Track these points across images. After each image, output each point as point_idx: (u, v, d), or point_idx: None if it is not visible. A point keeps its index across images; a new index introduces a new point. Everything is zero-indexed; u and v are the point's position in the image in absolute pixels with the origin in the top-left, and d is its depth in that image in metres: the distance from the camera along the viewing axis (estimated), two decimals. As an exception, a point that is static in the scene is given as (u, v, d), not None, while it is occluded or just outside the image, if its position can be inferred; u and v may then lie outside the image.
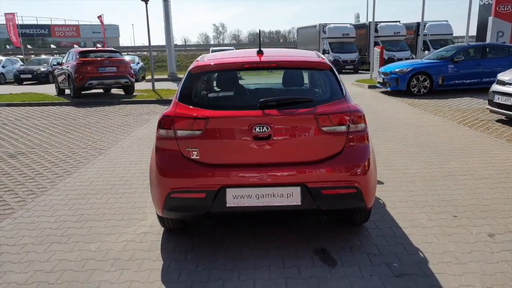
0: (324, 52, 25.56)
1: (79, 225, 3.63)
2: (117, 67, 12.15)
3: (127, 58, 23.09)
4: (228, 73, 3.35)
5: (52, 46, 61.66)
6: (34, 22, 70.24)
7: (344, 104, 2.99)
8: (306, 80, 3.81)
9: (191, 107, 2.97)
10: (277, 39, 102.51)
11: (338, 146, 2.92)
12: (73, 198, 4.31)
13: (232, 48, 25.93)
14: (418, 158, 5.46)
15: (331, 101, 3.00)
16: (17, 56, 29.94)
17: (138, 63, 23.25)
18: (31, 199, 4.29)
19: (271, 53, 3.43)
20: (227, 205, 2.86)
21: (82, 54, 12.24)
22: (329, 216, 3.57)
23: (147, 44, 17.97)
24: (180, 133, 2.91)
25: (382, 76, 12.49)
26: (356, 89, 14.51)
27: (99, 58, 12.17)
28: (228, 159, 2.90)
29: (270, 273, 2.79)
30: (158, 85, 16.00)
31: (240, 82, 3.60)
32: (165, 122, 2.94)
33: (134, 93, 13.54)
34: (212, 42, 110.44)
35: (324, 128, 2.89)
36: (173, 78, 22.00)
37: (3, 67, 22.78)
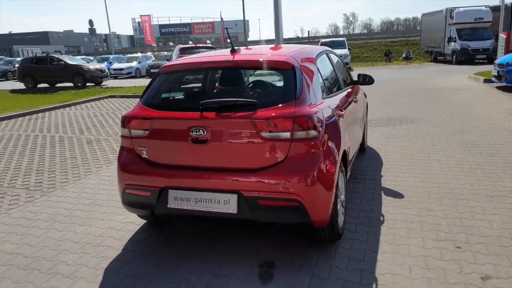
0: (449, 40, 22.84)
1: (87, 208, 4.06)
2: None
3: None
4: (187, 73, 3.32)
5: (190, 42, 68.12)
6: (178, 22, 78.51)
7: (290, 108, 2.70)
8: (273, 81, 3.53)
9: (146, 107, 3.05)
10: (414, 26, 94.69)
11: (280, 153, 2.68)
12: (101, 184, 4.83)
13: (343, 39, 25.03)
14: (473, 172, 4.59)
15: (279, 104, 2.75)
16: (155, 53, 34.19)
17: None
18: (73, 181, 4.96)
19: (243, 52, 3.28)
20: (168, 206, 2.89)
21: (182, 50, 13.31)
22: (281, 229, 3.29)
23: (272, 38, 18.61)
24: (133, 132, 3.03)
25: (497, 68, 10.65)
26: (468, 83, 12.70)
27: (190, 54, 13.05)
28: (171, 160, 2.92)
29: (199, 279, 2.74)
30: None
31: (202, 82, 3.51)
32: (123, 122, 3.09)
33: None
34: (341, 33, 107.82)
35: (263, 134, 2.67)
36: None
37: (139, 62, 26.16)
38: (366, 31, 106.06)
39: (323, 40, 25.99)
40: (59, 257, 3.11)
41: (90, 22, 41.15)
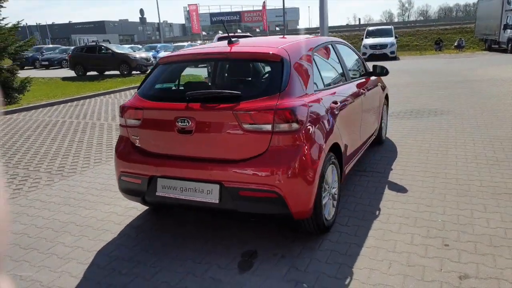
0: (505, 27, 21.30)
1: (98, 193, 4.31)
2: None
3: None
4: (182, 65, 3.38)
5: (239, 31, 68.40)
6: (228, 10, 79.07)
7: (273, 101, 2.71)
8: (263, 73, 3.50)
9: (140, 98, 3.18)
10: (474, 13, 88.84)
11: (261, 146, 2.71)
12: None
13: (390, 27, 24.06)
14: (488, 168, 4.35)
15: (263, 97, 2.76)
16: (205, 41, 34.79)
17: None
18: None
19: (240, 44, 3.29)
20: (157, 193, 3.01)
21: (220, 39, 13.45)
22: (263, 220, 3.30)
23: (316, 26, 18.46)
24: (128, 121, 3.17)
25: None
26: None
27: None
28: (160, 149, 3.03)
29: (180, 266, 2.84)
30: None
31: (195, 74, 3.56)
32: (120, 111, 3.23)
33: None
34: (395, 20, 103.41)
35: (245, 126, 2.71)
36: (323, 60, 21.98)
37: (185, 50, 26.73)
38: (422, 18, 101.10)
39: (369, 28, 25.19)
40: (58, 239, 3.34)
41: (141, 11, 42.56)
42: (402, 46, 29.22)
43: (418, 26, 41.68)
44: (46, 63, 27.31)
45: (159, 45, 29.10)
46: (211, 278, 2.67)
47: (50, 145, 6.52)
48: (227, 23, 73.15)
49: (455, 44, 26.42)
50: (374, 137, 4.99)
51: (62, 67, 26.66)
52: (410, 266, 2.66)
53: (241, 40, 3.47)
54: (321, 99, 3.08)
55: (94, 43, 21.03)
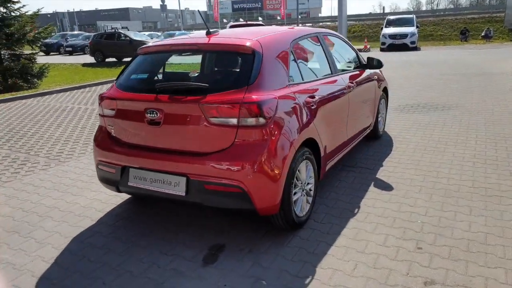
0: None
1: (88, 179, 4.38)
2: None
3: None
4: (157, 55, 3.35)
5: (260, 19, 67.89)
6: (250, -3, 78.28)
7: (240, 94, 2.66)
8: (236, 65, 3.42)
9: (116, 88, 3.18)
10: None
11: (227, 140, 2.67)
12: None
13: (411, 16, 23.31)
14: (484, 168, 4.18)
15: (230, 90, 2.72)
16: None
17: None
18: (88, 153, 5.34)
19: (218, 35, 3.24)
20: (129, 183, 3.03)
21: (232, 27, 13.37)
22: (230, 213, 3.29)
23: (350, 14, 18.19)
24: (104, 111, 3.19)
25: None
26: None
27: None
28: (131, 140, 3.04)
29: (148, 256, 2.86)
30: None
31: (171, 65, 3.49)
32: (99, 101, 3.26)
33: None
34: (423, 8, 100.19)
35: (211, 119, 2.68)
36: (342, 50, 21.59)
37: (201, 38, 26.77)
38: (452, 6, 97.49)
39: (390, 17, 24.51)
40: (40, 223, 3.42)
41: (162, -2, 42.80)
42: (425, 35, 28.33)
43: (446, 15, 40.24)
44: (70, 49, 27.89)
45: (177, 32, 29.22)
46: (173, 270, 2.68)
47: (54, 130, 6.67)
48: (248, 11, 72.64)
49: (482, 34, 25.41)
50: (369, 131, 4.88)
51: (84, 53, 27.13)
52: (376, 268, 2.60)
53: (222, 31, 3.41)
54: (296, 93, 3.01)
55: (113, 30, 21.30)
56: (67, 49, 27.98)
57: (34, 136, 6.33)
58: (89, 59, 21.87)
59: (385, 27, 22.51)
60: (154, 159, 2.89)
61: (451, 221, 3.13)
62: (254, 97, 2.65)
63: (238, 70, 2.90)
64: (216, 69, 3.32)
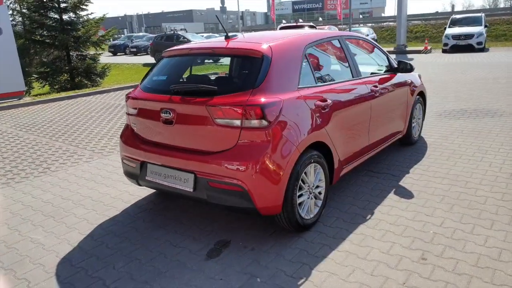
0: None
1: (122, 172, 4.71)
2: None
3: (364, 30, 23.52)
4: (177, 59, 3.51)
5: (320, 19, 67.12)
6: (311, -3, 77.68)
7: (245, 97, 2.76)
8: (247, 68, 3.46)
9: (140, 89, 3.42)
10: None
11: (231, 140, 2.79)
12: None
13: (479, 15, 21.82)
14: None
15: (237, 92, 2.82)
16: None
17: (368, 35, 23.04)
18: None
19: (235, 39, 3.36)
20: (146, 178, 3.25)
21: (281, 29, 13.43)
22: (234, 212, 3.30)
23: (410, 13, 17.74)
24: (129, 110, 3.44)
25: None
26: None
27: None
28: (150, 137, 3.25)
29: (157, 246, 3.05)
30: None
31: (188, 67, 3.60)
32: (126, 100, 3.52)
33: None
34: (501, 5, 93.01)
35: (217, 120, 2.81)
36: (400, 51, 20.79)
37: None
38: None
39: (455, 16, 23.13)
40: (73, 210, 3.76)
41: (222, 0, 43.80)
42: (497, 35, 26.36)
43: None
44: (135, 50, 29.60)
45: (234, 34, 29.81)
46: (177, 261, 2.85)
47: (104, 126, 7.19)
48: (307, 11, 72.10)
49: None
50: (400, 136, 4.74)
51: (147, 54, 28.62)
52: (373, 275, 2.57)
53: (241, 35, 3.53)
54: (305, 96, 3.04)
55: (172, 32, 22.29)
56: (132, 50, 29.73)
57: (86, 130, 6.89)
58: (150, 59, 23.05)
59: (449, 27, 21.29)
60: (168, 156, 3.07)
61: (466, 234, 2.99)
62: (258, 100, 2.74)
63: (246, 73, 3.00)
64: (227, 72, 3.44)
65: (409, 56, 18.42)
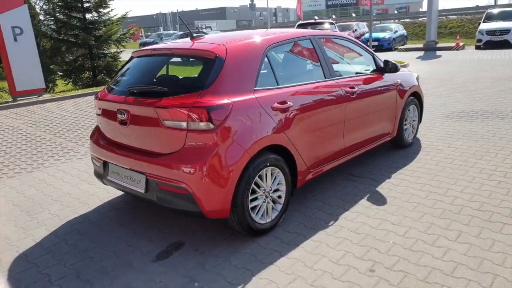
0: None
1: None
2: (325, 39, 12.49)
3: (393, 26, 22.83)
4: (142, 59, 3.49)
5: (353, 15, 65.74)
6: (344, -7, 76.37)
7: (192, 99, 2.72)
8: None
9: (105, 89, 3.46)
10: None
11: (179, 142, 2.77)
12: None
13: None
14: (510, 189, 3.65)
15: (185, 94, 2.79)
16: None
17: (396, 31, 22.31)
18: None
19: (198, 40, 3.32)
20: (108, 177, 3.29)
21: (300, 26, 13.25)
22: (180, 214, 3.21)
23: (448, 7, 17.12)
24: (96, 110, 3.49)
25: None
26: None
27: (309, 30, 12.86)
28: (112, 137, 3.29)
29: (115, 245, 3.08)
30: (399, 55, 15.16)
31: (149, 68, 3.54)
32: (94, 100, 3.57)
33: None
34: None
35: (165, 122, 2.79)
36: (429, 48, 20.00)
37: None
38: None
39: (490, 10, 21.96)
40: (49, 207, 3.87)
41: (252, -2, 43.76)
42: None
43: None
44: (164, 47, 30.13)
45: (200, 34, 29.81)
46: (127, 261, 2.86)
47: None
48: (341, 7, 70.79)
49: None
50: (388, 139, 4.55)
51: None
52: (312, 286, 2.48)
53: (208, 36, 3.49)
54: (262, 98, 2.97)
55: (197, 30, 22.54)
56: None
57: (89, 128, 7.07)
58: (176, 57, 23.41)
59: (484, 22, 20.22)
60: (124, 157, 3.09)
61: (427, 245, 2.83)
62: (205, 102, 2.70)
63: (198, 74, 2.96)
64: (183, 73, 3.41)
65: (438, 53, 17.68)
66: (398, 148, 4.90)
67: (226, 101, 2.76)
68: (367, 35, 21.09)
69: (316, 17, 19.11)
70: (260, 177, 2.97)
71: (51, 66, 12.82)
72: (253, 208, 2.97)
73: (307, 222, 3.27)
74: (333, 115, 3.58)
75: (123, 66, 3.59)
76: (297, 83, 3.36)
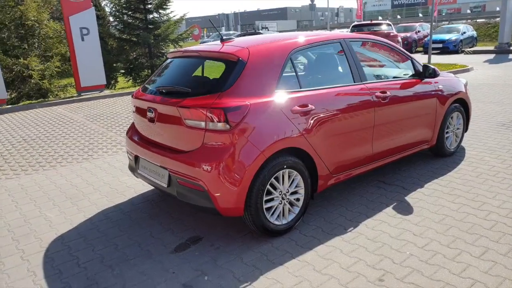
0: None
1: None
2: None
3: (461, 27, 21.57)
4: (175, 60, 3.62)
5: (420, 15, 62.69)
6: (411, -8, 73.13)
7: (211, 100, 2.83)
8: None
9: (139, 89, 3.68)
10: None
11: (198, 141, 2.89)
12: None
13: None
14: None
15: (206, 95, 2.91)
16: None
17: (464, 32, 20.99)
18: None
19: (228, 43, 3.41)
20: (138, 171, 3.51)
21: (354, 28, 12.96)
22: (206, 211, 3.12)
23: None
24: (132, 107, 3.73)
25: None
26: None
27: (363, 32, 12.51)
28: (143, 134, 3.49)
29: (140, 235, 3.29)
30: (464, 58, 14.35)
31: (182, 69, 3.64)
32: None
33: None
34: None
35: (186, 121, 2.93)
36: (501, 50, 18.59)
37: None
38: None
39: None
40: (90, 195, 4.19)
41: (311, -2, 43.41)
42: None
43: None
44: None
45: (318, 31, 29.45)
46: (147, 251, 3.04)
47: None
48: (407, 7, 67.83)
49: None
50: (426, 147, 4.36)
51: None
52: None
53: (238, 39, 3.58)
54: (281, 101, 3.00)
55: (253, 30, 22.82)
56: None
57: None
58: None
59: None
60: (152, 152, 3.28)
61: (446, 260, 2.70)
62: (222, 103, 2.79)
63: (220, 76, 3.05)
64: (207, 74, 3.49)
65: (511, 56, 16.42)
66: (438, 157, 4.67)
67: (243, 103, 2.83)
68: (453, 36, 20.16)
69: (380, 17, 18.50)
70: (277, 178, 3.01)
71: (114, 64, 13.68)
72: (269, 208, 3.02)
73: (325, 226, 3.25)
74: (361, 120, 3.51)
75: (159, 66, 3.79)
76: (322, 87, 3.35)
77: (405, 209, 3.47)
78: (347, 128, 3.42)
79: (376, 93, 3.62)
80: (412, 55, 4.26)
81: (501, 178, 4.00)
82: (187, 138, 2.95)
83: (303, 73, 3.28)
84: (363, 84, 3.59)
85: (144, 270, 2.79)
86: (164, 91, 3.19)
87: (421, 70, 4.13)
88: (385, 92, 3.70)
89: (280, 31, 37.90)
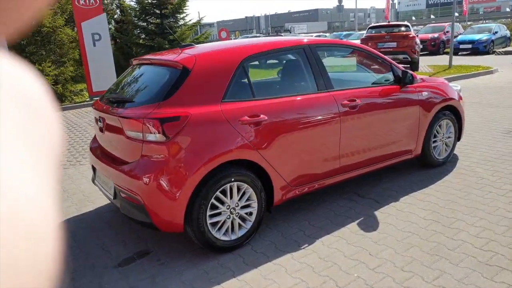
0: None
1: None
2: (397, 42, 11.66)
3: (492, 26, 20.56)
4: (134, 68, 3.52)
5: (456, 14, 60.32)
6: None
7: (149, 109, 2.74)
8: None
9: (99, 98, 3.65)
10: None
11: (137, 152, 2.82)
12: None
13: None
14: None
15: (146, 104, 2.82)
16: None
17: (496, 32, 19.95)
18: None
19: (184, 50, 3.32)
20: (95, 181, 3.48)
21: (370, 29, 12.56)
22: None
23: None
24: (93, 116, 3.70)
25: None
26: None
27: (380, 34, 12.10)
28: (98, 143, 3.45)
29: (92, 246, 3.25)
30: (493, 59, 13.67)
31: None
32: (95, 106, 3.79)
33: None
34: None
35: (126, 132, 2.85)
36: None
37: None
38: None
39: None
40: (63, 202, 4.22)
41: (339, -1, 42.77)
42: None
43: None
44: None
45: (344, 33, 28.91)
46: (92, 264, 2.99)
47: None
48: (442, 6, 65.54)
49: None
50: (410, 157, 4.09)
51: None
52: (245, 312, 2.33)
53: (201, 45, 3.49)
54: (229, 111, 2.87)
55: (275, 33, 22.68)
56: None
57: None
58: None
59: None
60: (102, 162, 3.23)
61: (394, 284, 2.48)
62: (159, 113, 2.69)
63: (162, 84, 2.95)
64: (152, 83, 3.33)
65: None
66: (426, 167, 4.38)
67: (183, 113, 2.72)
68: (460, 37, 19.33)
69: (413, 17, 17.90)
70: (224, 192, 2.88)
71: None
72: (215, 224, 2.89)
73: (280, 242, 3.09)
74: (324, 130, 3.32)
75: (122, 74, 3.75)
76: (278, 96, 3.19)
77: (370, 225, 3.25)
78: (307, 139, 3.24)
79: (342, 102, 3.41)
80: (392, 61, 4.00)
81: (486, 192, 3.68)
82: (128, 149, 2.88)
83: (256, 81, 3.13)
84: (328, 92, 3.39)
85: (80, 285, 2.74)
86: (112, 100, 3.14)
87: (400, 76, 3.88)
88: (354, 100, 3.48)
89: (306, 34, 37.56)
